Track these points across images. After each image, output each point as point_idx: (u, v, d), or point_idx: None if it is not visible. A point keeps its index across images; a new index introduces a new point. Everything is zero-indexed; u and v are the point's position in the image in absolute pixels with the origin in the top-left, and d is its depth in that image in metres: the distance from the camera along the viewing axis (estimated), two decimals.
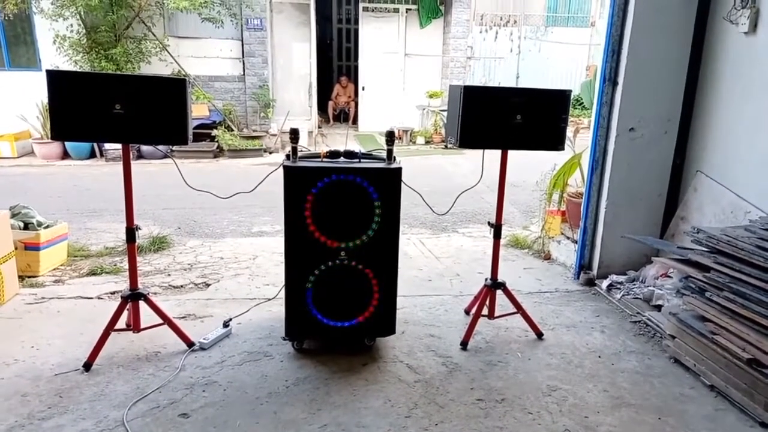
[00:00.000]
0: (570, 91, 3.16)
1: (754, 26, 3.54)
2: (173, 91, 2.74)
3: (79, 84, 2.67)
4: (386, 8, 12.80)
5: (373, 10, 12.77)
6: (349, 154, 3.01)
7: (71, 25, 9.80)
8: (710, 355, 2.88)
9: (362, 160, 2.98)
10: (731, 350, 2.74)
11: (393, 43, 12.98)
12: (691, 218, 3.97)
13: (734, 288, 2.77)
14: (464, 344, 3.25)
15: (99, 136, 2.86)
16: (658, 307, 3.66)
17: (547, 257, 4.88)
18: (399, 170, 2.90)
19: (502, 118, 3.04)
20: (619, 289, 4.03)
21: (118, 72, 9.36)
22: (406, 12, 12.88)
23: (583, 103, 10.90)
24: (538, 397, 2.79)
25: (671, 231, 4.15)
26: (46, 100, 2.66)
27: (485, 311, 3.41)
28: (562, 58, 14.20)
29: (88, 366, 2.89)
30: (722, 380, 2.80)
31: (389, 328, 3.15)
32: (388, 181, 2.89)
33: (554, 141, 3.13)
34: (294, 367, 2.99)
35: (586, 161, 4.37)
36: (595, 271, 4.26)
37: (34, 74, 10.05)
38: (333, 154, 3.00)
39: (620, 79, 3.91)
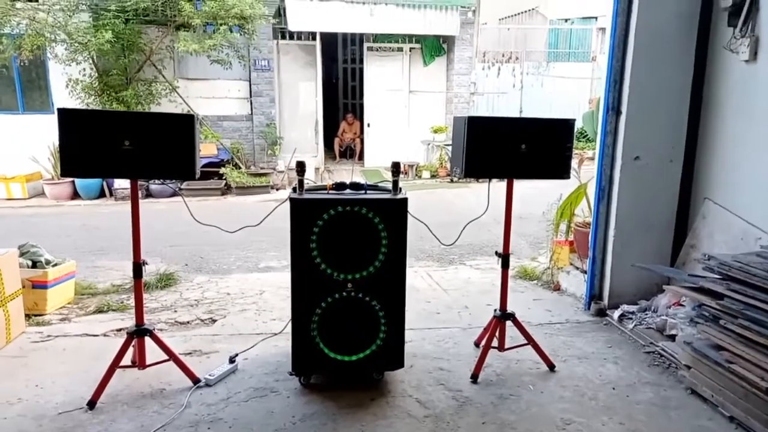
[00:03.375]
0: (574, 119, 3.18)
1: (754, 54, 3.58)
2: (181, 126, 2.79)
3: (89, 121, 2.73)
4: (390, 48, 13.08)
5: (377, 50, 13.05)
6: (355, 186, 3.03)
7: (84, 69, 10.08)
8: (728, 385, 2.80)
9: (368, 192, 2.99)
10: (749, 379, 2.66)
11: (397, 80, 13.21)
12: (701, 246, 3.93)
13: (749, 315, 2.71)
14: (475, 377, 3.18)
15: (108, 172, 2.89)
16: (672, 337, 3.59)
17: (557, 288, 4.82)
18: (405, 201, 2.91)
19: (506, 147, 3.06)
20: (631, 319, 3.96)
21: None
22: (410, 51, 13.14)
23: (586, 135, 10.97)
24: (552, 431, 2.70)
25: (681, 259, 4.10)
26: (57, 142, 2.70)
27: (495, 343, 3.35)
28: (564, 92, 14.36)
29: (92, 404, 2.85)
30: (742, 411, 2.72)
31: (397, 362, 3.10)
32: (395, 211, 2.89)
33: (560, 169, 3.14)
34: (301, 402, 2.93)
35: (592, 191, 4.36)
36: (605, 301, 4.19)
37: (46, 117, 10.25)
38: (339, 186, 3.02)
39: (623, 109, 3.94)
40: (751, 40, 3.57)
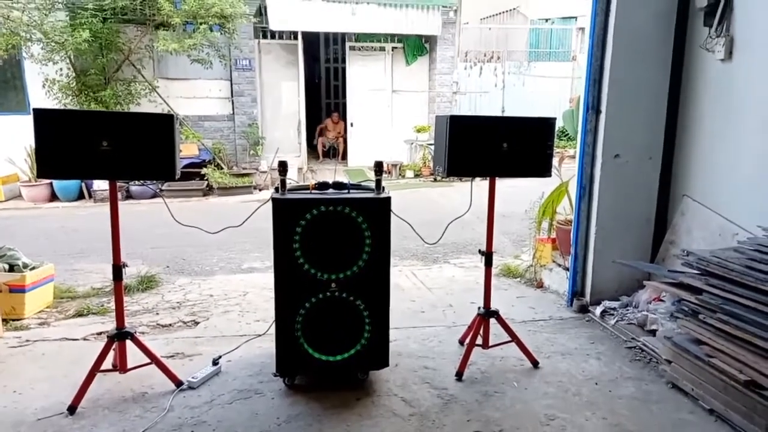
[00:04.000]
0: (554, 118, 3.21)
1: (729, 53, 3.64)
2: (160, 126, 2.75)
3: (66, 122, 2.68)
4: (373, 47, 13.08)
5: (359, 49, 13.04)
6: (338, 185, 3.02)
7: (61, 69, 9.90)
8: (708, 379, 2.85)
9: (351, 191, 2.98)
10: (728, 373, 2.71)
11: (380, 80, 13.21)
12: (680, 242, 3.99)
13: (727, 309, 2.76)
14: (459, 375, 3.20)
15: (86, 174, 2.83)
16: (653, 332, 3.64)
17: (540, 285, 4.86)
18: (388, 200, 2.91)
19: (488, 146, 3.07)
20: (613, 315, 4.01)
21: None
22: (392, 50, 13.15)
23: (567, 133, 11.07)
24: (536, 427, 2.73)
25: (661, 255, 4.16)
26: (34, 143, 2.64)
27: (479, 341, 3.36)
28: (545, 92, 14.50)
29: (72, 409, 2.80)
30: (721, 404, 2.76)
31: (382, 361, 3.09)
32: (378, 210, 2.88)
33: (541, 167, 3.17)
34: (286, 404, 2.92)
35: (573, 189, 4.41)
36: (587, 298, 4.24)
37: (22, 118, 10.04)
38: (322, 186, 3.00)
39: (603, 107, 3.99)
40: (726, 40, 3.63)
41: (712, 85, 3.82)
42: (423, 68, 13.42)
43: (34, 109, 2.65)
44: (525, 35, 16.00)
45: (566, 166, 5.86)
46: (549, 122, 3.17)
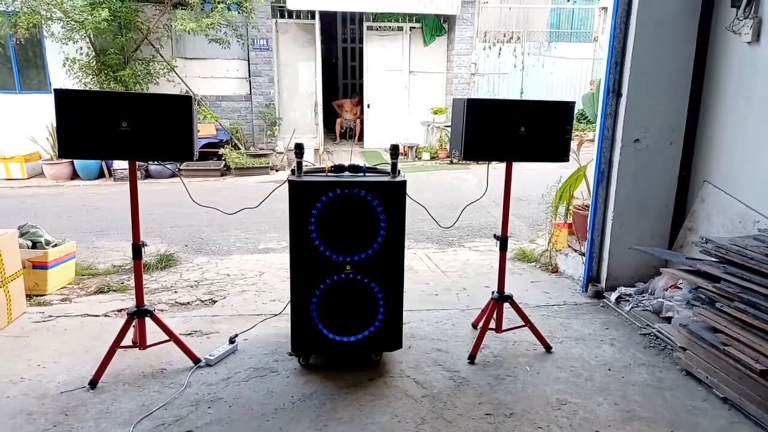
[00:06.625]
0: (573, 102, 3.17)
1: (757, 36, 3.54)
2: (179, 107, 2.78)
3: (86, 102, 2.71)
4: (390, 27, 12.94)
5: (377, 29, 12.91)
6: (354, 168, 3.02)
7: (81, 48, 9.98)
8: (722, 367, 2.83)
9: (367, 174, 2.99)
10: (744, 361, 2.69)
11: (397, 61, 13.09)
12: (699, 229, 3.94)
13: (745, 298, 2.73)
14: (472, 358, 3.22)
15: (106, 154, 2.88)
16: (668, 319, 3.62)
17: (555, 270, 4.84)
18: (404, 183, 2.91)
19: (505, 130, 3.05)
20: (628, 301, 3.99)
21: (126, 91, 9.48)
22: (410, 30, 13.00)
23: (587, 117, 10.90)
24: (547, 411, 2.74)
25: (679, 242, 4.11)
26: (55, 123, 2.68)
27: (493, 325, 3.37)
28: (566, 73, 14.25)
29: (93, 383, 2.88)
30: (736, 392, 2.75)
31: (396, 343, 3.13)
32: (393, 194, 2.89)
33: (558, 152, 3.14)
34: (300, 382, 2.97)
35: (591, 173, 4.36)
36: (603, 284, 4.22)
37: (44, 97, 10.21)
38: (338, 169, 3.01)
39: (624, 91, 3.92)
40: (754, 22, 3.53)
41: (737, 69, 3.72)
42: (441, 49, 13.25)
43: (55, 90, 2.68)
44: (546, 15, 15.68)
45: (585, 150, 5.78)
46: (567, 106, 3.12)
